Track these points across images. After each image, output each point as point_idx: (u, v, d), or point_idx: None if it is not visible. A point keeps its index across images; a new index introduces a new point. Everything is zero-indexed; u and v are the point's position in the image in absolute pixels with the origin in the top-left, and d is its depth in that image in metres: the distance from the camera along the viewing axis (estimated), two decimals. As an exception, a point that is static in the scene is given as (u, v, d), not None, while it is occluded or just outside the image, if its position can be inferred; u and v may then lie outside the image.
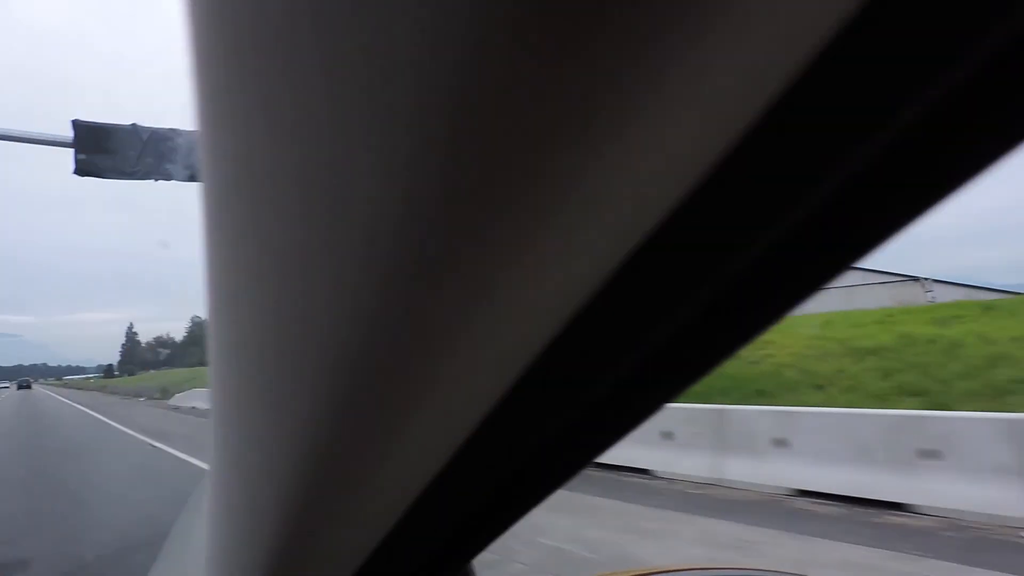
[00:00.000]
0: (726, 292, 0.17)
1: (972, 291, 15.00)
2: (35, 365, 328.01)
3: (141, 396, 33.01)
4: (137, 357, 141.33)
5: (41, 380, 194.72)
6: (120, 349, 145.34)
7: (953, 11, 0.13)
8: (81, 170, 6.57)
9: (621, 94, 0.15)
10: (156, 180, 6.70)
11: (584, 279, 0.16)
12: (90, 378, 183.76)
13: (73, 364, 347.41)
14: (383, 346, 0.17)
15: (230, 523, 0.33)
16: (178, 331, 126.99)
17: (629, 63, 0.14)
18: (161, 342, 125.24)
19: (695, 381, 0.21)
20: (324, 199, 0.16)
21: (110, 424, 17.41)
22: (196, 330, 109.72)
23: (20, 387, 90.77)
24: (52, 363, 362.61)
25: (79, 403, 32.57)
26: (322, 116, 0.15)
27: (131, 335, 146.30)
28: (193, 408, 20.69)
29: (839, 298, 12.66)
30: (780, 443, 5.37)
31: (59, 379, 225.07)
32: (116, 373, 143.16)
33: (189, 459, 9.08)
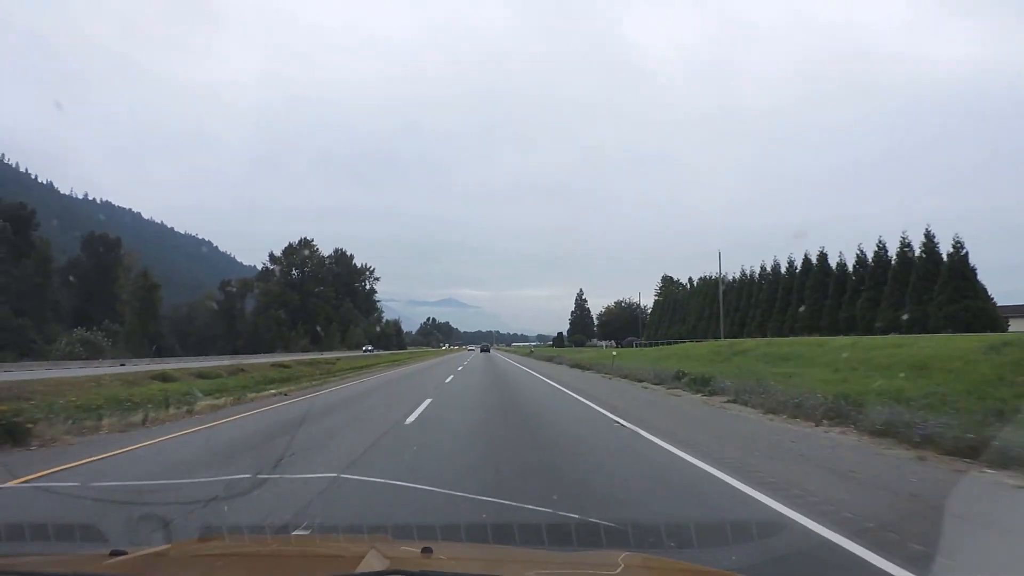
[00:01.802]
0: None
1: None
2: (490, 332, 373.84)
3: None
4: (587, 326, 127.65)
5: (495, 345, 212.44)
6: (569, 317, 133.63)
7: None
8: None
9: None
10: None
11: None
12: (534, 346, 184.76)
13: (517, 332, 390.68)
14: None
15: None
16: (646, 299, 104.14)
17: None
18: (625, 309, 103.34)
19: None
20: None
21: None
22: (676, 294, 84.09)
23: (482, 350, 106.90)
24: (503, 331, 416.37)
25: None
26: None
27: (580, 303, 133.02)
28: None
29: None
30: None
31: (508, 345, 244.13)
32: (566, 343, 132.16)
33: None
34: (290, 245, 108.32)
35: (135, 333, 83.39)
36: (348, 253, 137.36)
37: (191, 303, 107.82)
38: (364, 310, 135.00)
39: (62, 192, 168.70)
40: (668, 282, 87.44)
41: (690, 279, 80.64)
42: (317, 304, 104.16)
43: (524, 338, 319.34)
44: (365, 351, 78.02)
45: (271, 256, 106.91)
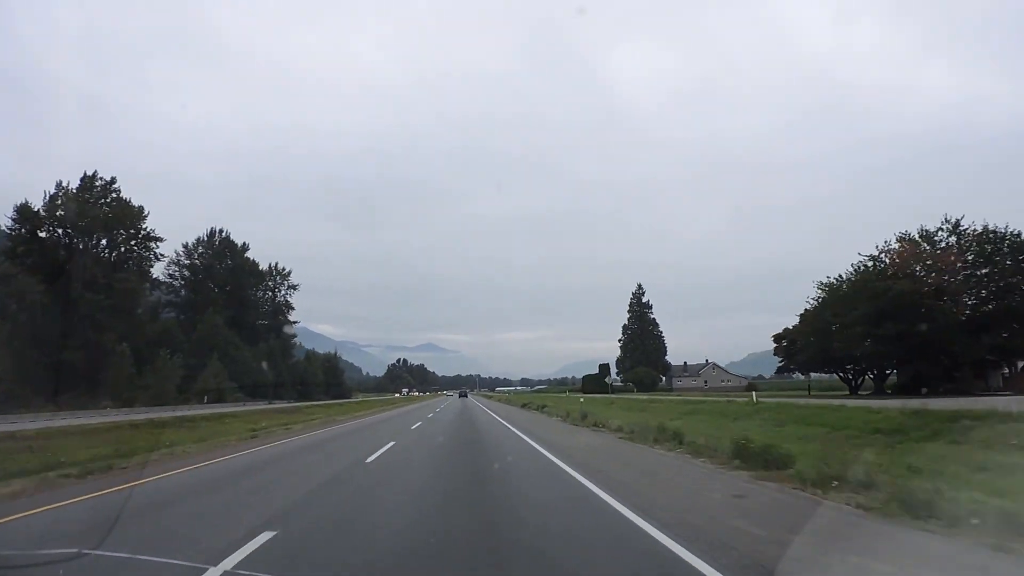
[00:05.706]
0: None
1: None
2: (470, 376, 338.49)
3: None
4: (655, 352, 72.91)
5: (475, 390, 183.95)
6: (620, 337, 78.16)
7: None
8: None
9: None
10: None
11: None
12: (517, 391, 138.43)
13: (499, 377, 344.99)
14: None
15: None
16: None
17: None
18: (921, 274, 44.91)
19: None
20: None
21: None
22: None
23: (460, 396, 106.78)
24: (483, 375, 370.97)
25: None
26: None
27: (639, 310, 77.18)
28: None
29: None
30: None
31: (491, 390, 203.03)
32: (616, 378, 76.78)
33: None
34: (55, 195, 51.11)
35: None
36: (241, 243, 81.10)
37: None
38: (260, 334, 78.06)
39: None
40: None
41: None
42: (96, 310, 46.87)
43: (508, 383, 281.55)
44: None
45: (17, 212, 49.28)
